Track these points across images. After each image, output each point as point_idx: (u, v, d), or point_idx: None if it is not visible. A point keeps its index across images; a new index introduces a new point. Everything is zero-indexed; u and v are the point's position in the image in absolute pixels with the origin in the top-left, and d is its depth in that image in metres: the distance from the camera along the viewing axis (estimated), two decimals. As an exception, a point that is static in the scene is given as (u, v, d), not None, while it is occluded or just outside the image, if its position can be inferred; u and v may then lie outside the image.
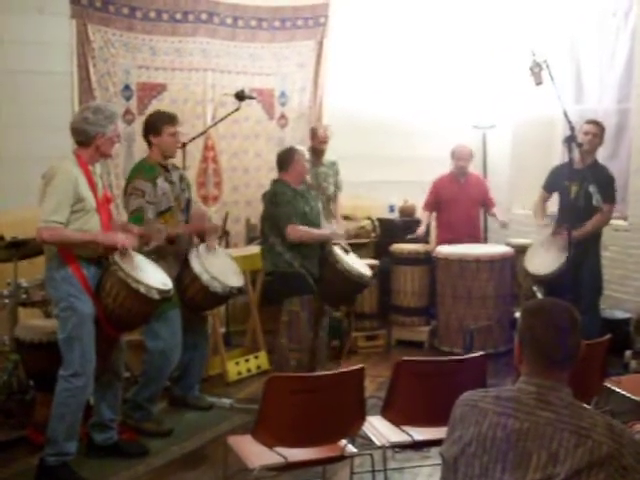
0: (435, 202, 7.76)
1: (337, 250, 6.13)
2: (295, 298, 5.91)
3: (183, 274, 5.32)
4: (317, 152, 7.28)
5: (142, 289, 4.39)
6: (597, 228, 6.21)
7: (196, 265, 5.30)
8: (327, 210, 7.24)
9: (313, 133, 7.42)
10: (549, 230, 6.34)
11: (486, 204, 7.81)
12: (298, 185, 6.13)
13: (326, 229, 6.29)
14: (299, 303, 5.90)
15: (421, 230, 7.70)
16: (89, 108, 4.52)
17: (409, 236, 7.73)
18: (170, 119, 5.32)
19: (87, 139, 4.41)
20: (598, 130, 6.26)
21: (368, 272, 6.23)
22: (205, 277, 5.27)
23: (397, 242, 7.71)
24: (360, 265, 6.25)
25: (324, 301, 6.17)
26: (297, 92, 8.06)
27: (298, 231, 5.91)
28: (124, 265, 4.39)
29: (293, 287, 5.91)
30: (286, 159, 6.12)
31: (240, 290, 5.57)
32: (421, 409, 3.79)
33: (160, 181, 5.21)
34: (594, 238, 6.26)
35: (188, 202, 5.50)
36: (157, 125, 5.26)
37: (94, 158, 4.48)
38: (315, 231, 6.07)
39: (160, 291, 4.49)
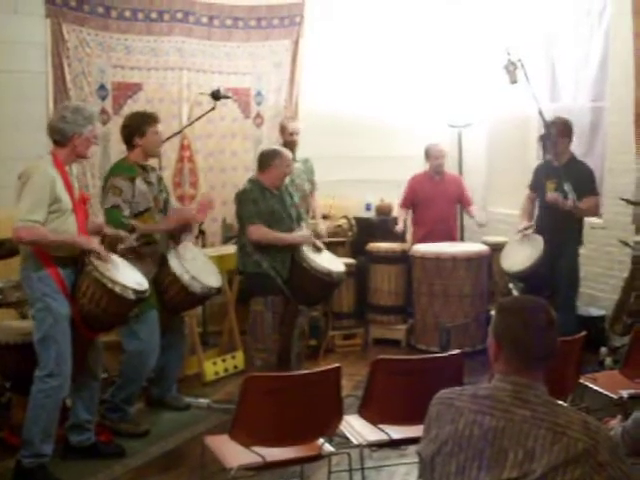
0: (412, 200, 7.76)
1: (305, 248, 6.05)
2: (259, 298, 5.92)
3: (161, 275, 5.31)
4: (289, 146, 7.19)
5: (117, 289, 4.38)
6: (583, 213, 6.17)
7: (176, 265, 5.29)
8: (303, 207, 7.21)
9: (283, 128, 7.36)
10: (527, 230, 6.35)
11: (463, 202, 7.82)
12: (272, 187, 6.06)
13: (294, 234, 6.10)
14: (263, 303, 5.91)
15: (399, 227, 7.68)
16: (68, 107, 4.51)
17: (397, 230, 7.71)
18: (153, 119, 5.34)
19: (64, 139, 4.39)
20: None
21: (339, 268, 6.12)
22: (186, 277, 5.27)
23: (374, 241, 7.73)
24: (330, 262, 6.14)
25: (297, 301, 6.11)
26: (273, 91, 8.03)
27: (259, 232, 5.89)
28: (100, 266, 4.38)
29: (259, 287, 5.93)
30: (266, 160, 6.08)
31: (218, 290, 5.58)
32: (398, 407, 3.80)
33: (138, 182, 5.20)
34: (571, 235, 6.26)
35: (165, 203, 5.49)
36: (141, 127, 5.25)
37: (70, 158, 4.46)
38: (279, 235, 5.98)
39: (136, 291, 4.49)
